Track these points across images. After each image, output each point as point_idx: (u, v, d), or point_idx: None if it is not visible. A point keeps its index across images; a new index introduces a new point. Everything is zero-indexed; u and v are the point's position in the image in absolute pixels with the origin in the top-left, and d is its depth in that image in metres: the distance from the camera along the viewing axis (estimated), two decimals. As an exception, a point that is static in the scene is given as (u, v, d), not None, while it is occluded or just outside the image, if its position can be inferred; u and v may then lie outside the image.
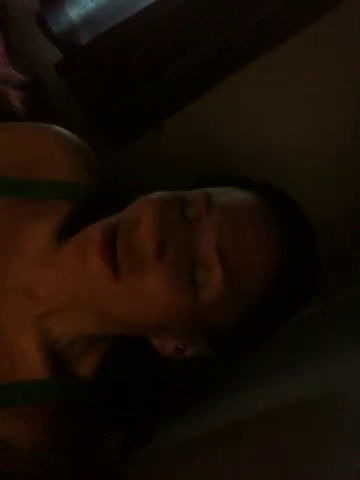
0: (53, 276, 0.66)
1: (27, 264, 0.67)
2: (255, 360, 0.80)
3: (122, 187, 0.76)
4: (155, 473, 0.65)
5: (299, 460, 0.48)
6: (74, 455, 0.65)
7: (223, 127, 1.31)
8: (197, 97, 1.29)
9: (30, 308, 0.66)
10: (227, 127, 1.31)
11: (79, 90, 1.27)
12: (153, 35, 1.25)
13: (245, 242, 0.61)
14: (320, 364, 0.73)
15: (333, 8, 1.24)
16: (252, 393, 0.77)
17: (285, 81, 1.29)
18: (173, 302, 0.60)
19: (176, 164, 1.26)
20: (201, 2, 1.21)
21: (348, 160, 1.31)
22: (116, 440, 0.72)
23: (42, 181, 0.71)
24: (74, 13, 1.33)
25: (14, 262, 0.67)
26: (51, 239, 0.68)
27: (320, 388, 0.64)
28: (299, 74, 1.28)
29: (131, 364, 0.71)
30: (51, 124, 0.77)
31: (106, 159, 0.82)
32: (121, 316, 0.63)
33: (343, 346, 0.77)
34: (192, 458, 0.64)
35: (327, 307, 1.18)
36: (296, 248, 0.65)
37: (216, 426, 0.72)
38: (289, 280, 0.65)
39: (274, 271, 0.63)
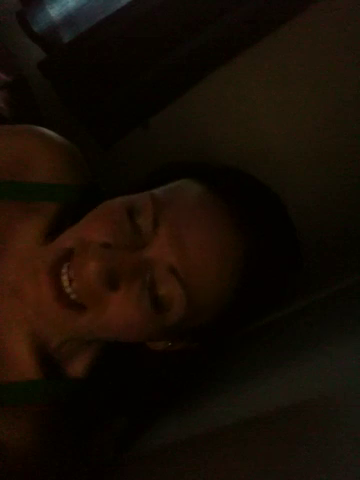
0: None
1: (17, 266, 0.66)
2: (251, 357, 0.79)
3: (111, 186, 0.76)
4: (147, 473, 0.65)
5: (301, 460, 0.48)
6: (68, 455, 0.65)
7: (212, 121, 1.31)
8: (182, 93, 1.29)
9: (21, 309, 0.65)
10: (216, 121, 1.31)
11: (63, 89, 1.26)
12: (135, 32, 1.25)
13: (198, 254, 0.59)
14: (317, 361, 0.73)
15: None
16: (250, 391, 0.77)
17: (273, 74, 1.30)
18: (137, 326, 0.60)
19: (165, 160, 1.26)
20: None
21: (340, 154, 1.32)
22: (110, 439, 0.72)
23: (29, 183, 0.70)
24: (55, 12, 1.32)
25: (4, 264, 0.67)
26: (38, 241, 0.68)
27: (318, 386, 0.64)
28: (284, 68, 1.29)
29: (122, 363, 0.71)
30: (36, 125, 0.76)
31: (94, 158, 0.81)
32: (90, 338, 0.65)
33: (341, 340, 0.77)
34: (186, 458, 0.63)
35: (319, 300, 1.18)
36: (260, 242, 0.61)
37: (210, 427, 0.71)
38: (260, 275, 0.62)
39: (240, 270, 0.61)
